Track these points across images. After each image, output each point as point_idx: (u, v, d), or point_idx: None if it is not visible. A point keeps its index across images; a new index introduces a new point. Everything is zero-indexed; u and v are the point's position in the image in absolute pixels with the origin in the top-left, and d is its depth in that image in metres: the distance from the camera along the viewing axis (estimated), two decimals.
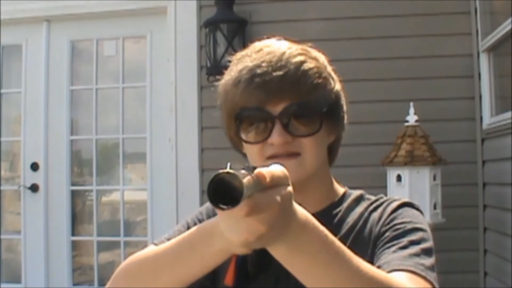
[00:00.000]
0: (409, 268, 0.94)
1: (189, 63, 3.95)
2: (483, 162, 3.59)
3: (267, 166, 0.74)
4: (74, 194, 4.32)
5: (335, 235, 0.84)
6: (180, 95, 3.97)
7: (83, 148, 4.42)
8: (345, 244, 0.84)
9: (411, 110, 3.32)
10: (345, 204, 1.14)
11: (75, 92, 4.33)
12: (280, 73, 1.03)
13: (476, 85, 3.65)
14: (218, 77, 1.12)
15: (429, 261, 0.97)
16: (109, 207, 4.47)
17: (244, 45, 1.11)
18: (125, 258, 1.06)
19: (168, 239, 1.03)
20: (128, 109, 4.29)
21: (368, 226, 1.08)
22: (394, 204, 1.10)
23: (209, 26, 3.80)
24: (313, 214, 0.81)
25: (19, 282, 4.26)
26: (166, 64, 4.05)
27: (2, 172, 4.42)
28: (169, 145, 3.99)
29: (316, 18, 3.78)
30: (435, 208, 3.23)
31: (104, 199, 4.47)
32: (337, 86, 1.11)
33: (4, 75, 4.40)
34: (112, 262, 4.27)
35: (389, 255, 0.98)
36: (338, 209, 1.13)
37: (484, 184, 3.58)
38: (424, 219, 1.08)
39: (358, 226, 1.09)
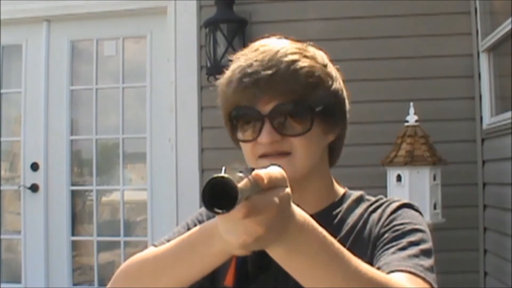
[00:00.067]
0: (408, 269, 0.94)
1: (189, 63, 3.95)
2: (483, 162, 3.59)
3: (265, 167, 0.74)
4: (74, 194, 4.32)
5: (335, 236, 0.84)
6: (180, 95, 3.97)
7: (83, 148, 4.42)
8: (344, 245, 0.84)
9: (411, 110, 3.32)
10: (345, 205, 1.13)
11: (75, 92, 4.33)
12: (270, 72, 1.02)
13: (476, 85, 3.65)
14: (218, 77, 1.12)
15: (428, 262, 0.97)
16: (109, 207, 4.47)
17: (244, 45, 1.11)
18: (125, 258, 1.06)
19: (168, 241, 1.03)
20: (128, 109, 4.29)
21: (368, 227, 1.08)
22: (394, 205, 1.10)
23: (209, 26, 3.80)
24: (312, 215, 0.81)
25: (19, 282, 4.26)
26: (166, 64, 4.05)
27: (2, 172, 4.42)
28: (169, 145, 3.99)
29: (316, 18, 3.78)
30: (435, 208, 3.23)
31: (104, 199, 4.47)
32: (337, 86, 1.10)
33: (4, 75, 4.40)
34: (112, 262, 4.27)
35: (389, 256, 0.98)
36: (338, 210, 1.13)
37: (484, 184, 3.58)
38: (423, 220, 1.08)
39: (357, 227, 1.09)
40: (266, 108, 1.04)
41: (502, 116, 3.28)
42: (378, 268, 0.95)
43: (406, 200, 1.13)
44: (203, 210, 1.19)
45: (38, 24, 4.29)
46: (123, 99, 4.25)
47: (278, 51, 1.05)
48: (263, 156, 1.05)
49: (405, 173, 3.21)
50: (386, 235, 1.04)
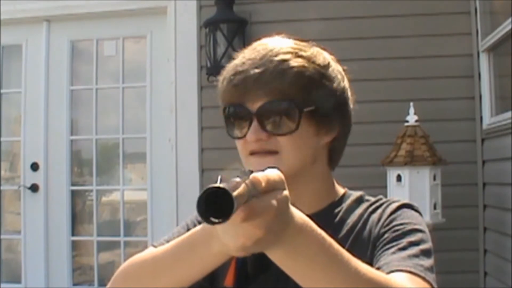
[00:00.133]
0: (408, 269, 0.94)
1: (189, 63, 3.95)
2: (483, 162, 3.59)
3: (263, 170, 0.74)
4: (74, 194, 4.32)
5: (335, 236, 0.84)
6: (180, 95, 3.97)
7: (83, 148, 4.42)
8: (344, 245, 0.84)
9: (411, 110, 3.32)
10: (344, 205, 1.13)
11: (75, 92, 4.33)
12: (258, 70, 1.03)
13: (476, 85, 3.65)
14: (218, 77, 1.12)
15: (428, 262, 0.97)
16: (109, 207, 4.47)
17: (244, 45, 1.11)
18: (125, 258, 1.06)
19: (168, 241, 1.03)
20: (128, 109, 4.29)
21: (368, 227, 1.08)
22: (393, 206, 1.09)
23: (209, 26, 3.80)
24: (310, 215, 0.81)
25: (19, 282, 4.26)
26: (166, 64, 4.05)
27: (2, 172, 4.42)
28: (169, 145, 3.99)
29: (316, 18, 3.78)
30: (435, 208, 3.23)
31: (104, 199, 4.47)
32: (336, 87, 1.10)
33: (4, 75, 4.40)
34: (112, 262, 4.27)
35: (389, 256, 0.98)
36: (337, 210, 1.13)
37: (484, 184, 3.58)
38: (423, 221, 1.08)
39: (357, 228, 1.09)
40: (255, 106, 1.04)
41: (502, 116, 3.28)
42: (378, 268, 0.95)
43: (406, 201, 1.12)
44: None
45: (38, 24, 4.29)
46: (123, 99, 4.25)
47: (271, 50, 1.06)
48: (252, 153, 1.06)
49: (405, 173, 3.21)
50: (386, 235, 1.04)
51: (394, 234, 1.03)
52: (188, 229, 1.03)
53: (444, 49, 3.72)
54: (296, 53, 1.06)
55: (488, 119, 3.55)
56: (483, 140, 3.60)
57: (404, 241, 1.00)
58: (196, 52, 3.94)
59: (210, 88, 3.71)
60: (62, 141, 4.26)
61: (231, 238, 0.74)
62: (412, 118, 3.30)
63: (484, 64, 3.58)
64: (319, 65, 1.07)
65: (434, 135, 3.37)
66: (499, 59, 3.50)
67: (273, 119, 1.04)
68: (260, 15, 3.88)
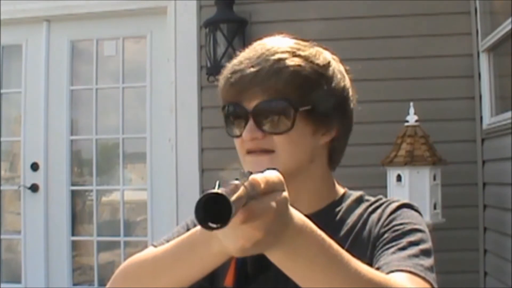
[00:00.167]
0: (408, 268, 0.94)
1: (189, 63, 3.95)
2: (483, 162, 3.59)
3: (262, 171, 0.74)
4: (74, 194, 4.32)
5: (334, 236, 0.84)
6: (180, 95, 3.97)
7: (83, 148, 4.42)
8: (344, 245, 0.84)
9: (411, 110, 3.32)
10: (344, 205, 1.13)
11: (75, 92, 4.33)
12: (254, 69, 1.04)
13: (476, 85, 3.65)
14: (218, 77, 1.13)
15: (428, 261, 0.97)
16: (109, 207, 4.47)
17: (244, 45, 1.12)
18: (125, 258, 1.06)
19: (168, 241, 1.03)
20: (128, 109, 4.29)
21: (367, 227, 1.08)
22: (393, 206, 1.09)
23: (209, 26, 3.80)
24: (309, 214, 0.81)
25: (19, 282, 4.26)
26: (166, 64, 4.05)
27: (2, 172, 4.42)
28: (169, 145, 3.99)
29: (316, 18, 3.78)
30: (435, 208, 3.23)
31: (104, 199, 4.47)
32: (336, 86, 1.09)
33: (4, 75, 4.40)
34: (112, 262, 4.27)
35: (388, 256, 0.98)
36: (337, 210, 1.12)
37: (484, 184, 3.58)
38: (423, 220, 1.08)
39: (357, 228, 1.09)
40: (251, 105, 1.05)
41: (502, 116, 3.28)
42: (378, 268, 0.95)
43: (405, 200, 1.12)
44: None
45: (38, 24, 4.29)
46: (123, 99, 4.25)
47: (268, 50, 1.06)
48: (249, 152, 1.07)
49: (405, 173, 3.21)
50: (385, 235, 1.03)
51: (394, 234, 1.03)
52: (188, 229, 1.03)
53: (444, 49, 3.72)
54: (293, 52, 1.06)
55: (488, 119, 3.55)
56: (483, 140, 3.60)
57: (404, 241, 1.00)
58: (196, 52, 3.94)
59: (210, 88, 3.71)
60: (62, 141, 4.26)
61: (231, 240, 0.74)
62: (412, 118, 3.30)
63: (484, 64, 3.58)
64: (317, 64, 1.07)
65: (434, 135, 3.37)
66: (499, 59, 3.50)
67: (269, 118, 1.04)
68: (260, 15, 3.88)
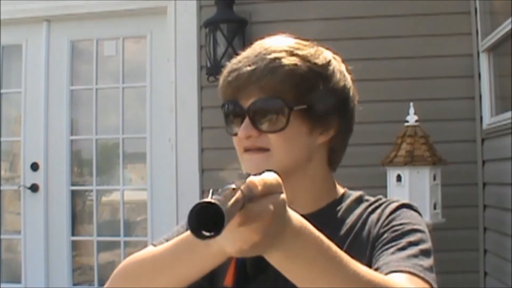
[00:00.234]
0: (408, 269, 0.93)
1: (189, 63, 3.95)
2: (483, 162, 3.59)
3: (260, 174, 0.74)
4: (74, 194, 4.32)
5: (334, 236, 0.84)
6: (180, 95, 3.97)
7: (83, 148, 4.42)
8: (343, 246, 0.84)
9: (411, 110, 3.32)
10: (344, 205, 1.13)
11: (75, 92, 4.33)
12: (250, 68, 1.04)
13: (476, 85, 3.65)
14: (218, 77, 1.13)
15: (427, 262, 0.97)
16: (109, 207, 4.47)
17: (244, 45, 1.12)
18: (125, 258, 1.06)
19: (167, 240, 1.03)
20: (128, 109, 4.29)
21: (367, 227, 1.08)
22: (393, 206, 1.09)
23: (209, 26, 3.80)
24: (309, 214, 0.81)
25: (19, 282, 4.26)
26: (166, 64, 4.05)
27: (2, 172, 4.42)
28: (169, 145, 3.99)
29: (316, 18, 3.78)
30: (435, 208, 3.23)
31: (104, 199, 4.47)
32: (334, 86, 1.09)
33: (4, 75, 4.40)
34: (112, 262, 4.27)
35: (388, 257, 0.98)
36: (336, 210, 1.12)
37: (484, 184, 3.58)
38: (422, 221, 1.08)
39: (356, 228, 1.08)
40: (247, 103, 1.05)
41: (502, 116, 3.28)
42: (377, 269, 0.95)
43: (405, 201, 1.12)
44: None
45: (38, 24, 4.29)
46: (123, 99, 4.25)
47: (265, 49, 1.06)
48: (246, 150, 1.07)
49: (405, 173, 3.21)
50: (385, 236, 1.03)
51: (393, 234, 1.02)
52: (188, 229, 1.03)
53: (444, 49, 3.72)
54: (291, 51, 1.06)
55: (488, 119, 3.55)
56: (483, 140, 3.60)
57: (403, 241, 1.00)
58: (196, 52, 3.94)
59: (210, 88, 3.71)
60: (62, 141, 4.26)
61: (229, 242, 0.74)
62: (412, 118, 3.30)
63: (484, 64, 3.58)
64: (315, 64, 1.07)
65: (434, 135, 3.37)
66: (499, 59, 3.50)
67: (264, 116, 1.05)
68: (260, 15, 3.88)
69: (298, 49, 1.07)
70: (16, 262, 4.34)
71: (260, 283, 1.03)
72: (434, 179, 3.24)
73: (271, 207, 0.72)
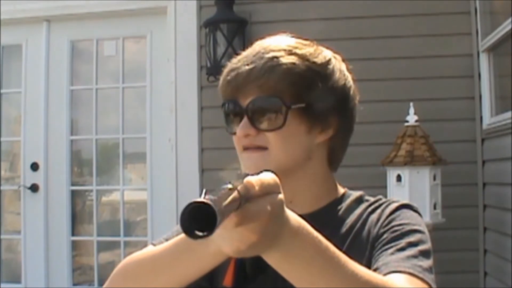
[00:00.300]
0: (407, 270, 0.93)
1: (189, 63, 3.95)
2: (483, 162, 3.59)
3: (258, 174, 0.74)
4: (74, 194, 4.32)
5: (333, 235, 0.84)
6: (180, 95, 3.97)
7: (83, 148, 4.42)
8: (343, 246, 0.84)
9: (411, 110, 3.31)
10: (344, 205, 1.13)
11: (75, 92, 4.33)
12: (248, 67, 1.05)
13: (476, 85, 3.65)
14: (218, 77, 1.13)
15: (427, 263, 0.97)
16: (109, 207, 4.47)
17: (244, 45, 1.13)
18: (125, 258, 1.06)
19: (167, 240, 1.03)
20: (128, 109, 4.29)
21: (367, 227, 1.07)
22: (393, 206, 1.09)
23: (209, 26, 3.80)
24: (309, 214, 0.81)
25: (19, 282, 4.26)
26: (166, 64, 4.05)
27: (2, 172, 4.42)
28: (169, 145, 3.99)
29: (316, 18, 3.78)
30: (435, 208, 3.23)
31: (104, 199, 4.47)
32: (333, 85, 1.09)
33: (4, 75, 4.40)
34: (112, 262, 4.27)
35: (387, 257, 0.98)
36: (336, 210, 1.12)
37: (484, 184, 3.58)
38: (422, 221, 1.08)
39: (356, 228, 1.08)
40: (246, 102, 1.06)
41: (502, 116, 3.28)
42: (377, 269, 0.95)
43: (405, 201, 1.12)
44: None
45: (38, 24, 4.29)
46: (123, 99, 4.25)
47: (264, 48, 1.07)
48: (244, 149, 1.07)
49: (405, 173, 3.21)
50: (384, 236, 1.03)
51: (393, 235, 1.02)
52: None
53: (444, 49, 3.72)
54: (289, 50, 1.06)
55: (488, 119, 3.54)
56: (483, 140, 3.60)
57: (402, 242, 1.00)
58: (196, 52, 3.94)
59: (210, 88, 3.71)
60: (62, 141, 4.26)
61: (226, 242, 0.74)
62: (412, 118, 3.30)
63: (484, 64, 3.58)
64: (314, 63, 1.07)
65: (434, 135, 3.37)
66: (499, 59, 3.50)
67: (262, 115, 1.05)
68: (260, 15, 3.88)
69: (296, 48, 1.08)
70: (16, 262, 4.34)
71: (259, 283, 1.03)
72: (434, 179, 3.23)
73: (269, 207, 0.72)
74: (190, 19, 3.97)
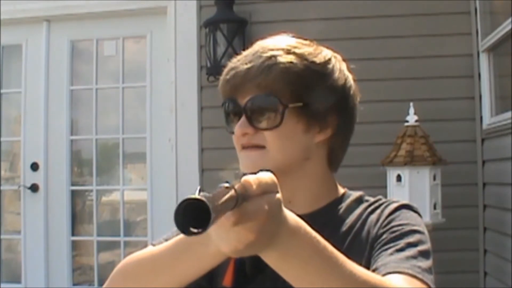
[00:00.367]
0: (406, 270, 0.93)
1: (189, 63, 3.95)
2: (483, 162, 3.59)
3: (256, 173, 0.74)
4: (74, 194, 4.32)
5: (333, 235, 0.84)
6: (180, 95, 3.97)
7: (83, 148, 4.42)
8: (342, 245, 0.84)
9: (411, 110, 3.31)
10: (344, 205, 1.12)
11: (75, 92, 4.33)
12: (246, 66, 1.05)
13: (476, 85, 3.65)
14: (218, 77, 1.13)
15: (426, 263, 0.97)
16: (109, 207, 4.47)
17: (244, 45, 1.13)
18: (125, 258, 1.06)
19: (166, 240, 1.03)
20: (128, 109, 4.29)
21: (366, 228, 1.07)
22: (392, 206, 1.09)
23: (209, 26, 3.80)
24: (308, 214, 0.81)
25: (19, 282, 4.26)
26: (166, 64, 4.05)
27: (2, 172, 4.42)
28: (169, 145, 3.99)
29: (316, 18, 3.78)
30: (435, 208, 3.23)
31: (104, 199, 4.47)
32: (332, 85, 1.08)
33: (4, 75, 4.40)
34: (112, 262, 4.27)
35: (386, 257, 0.98)
36: (336, 210, 1.12)
37: (484, 184, 3.58)
38: (422, 222, 1.08)
39: (356, 228, 1.08)
40: (244, 100, 1.06)
41: (502, 116, 3.28)
42: (376, 269, 0.94)
43: (405, 201, 1.12)
44: None
45: (38, 24, 4.29)
46: (123, 99, 4.25)
47: (263, 47, 1.07)
48: (243, 147, 1.08)
49: (405, 173, 3.21)
50: (384, 236, 1.03)
51: (392, 235, 1.02)
52: None
53: (444, 49, 3.72)
54: (288, 50, 1.06)
55: (488, 119, 3.54)
56: (483, 140, 3.60)
57: (402, 242, 1.00)
58: (196, 52, 3.94)
59: (210, 88, 3.71)
60: (62, 141, 4.26)
61: (224, 241, 0.74)
62: (412, 118, 3.30)
63: (484, 64, 3.58)
64: (312, 62, 1.07)
65: (434, 135, 3.37)
66: (499, 59, 3.50)
67: (259, 113, 1.05)
68: (260, 15, 3.88)
69: (296, 47, 1.08)
70: (16, 262, 4.34)
71: (259, 283, 1.03)
72: (434, 179, 3.23)
73: (266, 206, 0.72)
74: (190, 19, 3.97)
